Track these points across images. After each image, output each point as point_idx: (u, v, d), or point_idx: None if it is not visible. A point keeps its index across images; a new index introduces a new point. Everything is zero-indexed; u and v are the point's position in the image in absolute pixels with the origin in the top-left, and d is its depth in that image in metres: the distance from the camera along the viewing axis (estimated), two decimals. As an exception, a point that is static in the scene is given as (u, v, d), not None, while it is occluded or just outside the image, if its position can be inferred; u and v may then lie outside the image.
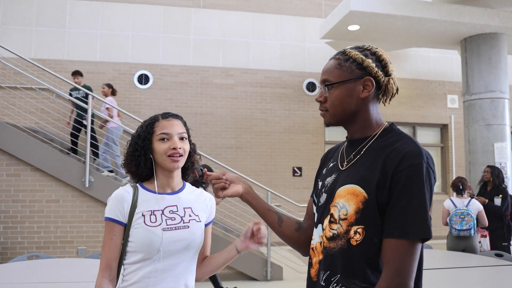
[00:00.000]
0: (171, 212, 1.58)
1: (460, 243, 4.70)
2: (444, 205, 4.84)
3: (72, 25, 7.58)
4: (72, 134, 6.13)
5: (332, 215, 1.18)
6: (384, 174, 1.10)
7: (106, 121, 6.33)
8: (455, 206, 4.72)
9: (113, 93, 6.58)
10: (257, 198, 1.45)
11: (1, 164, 5.16)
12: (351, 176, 1.18)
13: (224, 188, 1.43)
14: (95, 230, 5.14)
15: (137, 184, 1.63)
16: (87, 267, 2.93)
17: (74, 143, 6.00)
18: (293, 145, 8.04)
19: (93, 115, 5.81)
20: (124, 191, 1.57)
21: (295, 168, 7.99)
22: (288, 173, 7.98)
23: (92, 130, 5.93)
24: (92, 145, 5.95)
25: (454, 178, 8.79)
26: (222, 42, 8.05)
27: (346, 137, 1.31)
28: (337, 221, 1.16)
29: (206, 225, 1.72)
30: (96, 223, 5.16)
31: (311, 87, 8.26)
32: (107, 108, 6.22)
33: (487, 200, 4.96)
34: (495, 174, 5.04)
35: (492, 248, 4.94)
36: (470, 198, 4.82)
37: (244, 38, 8.15)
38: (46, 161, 5.18)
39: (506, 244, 4.86)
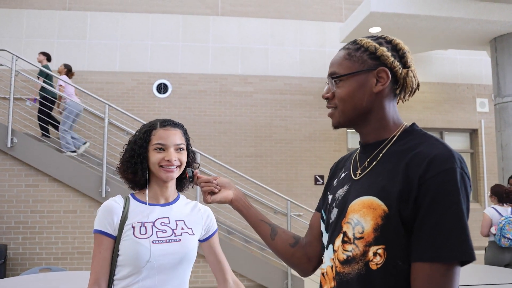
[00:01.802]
0: (162, 224, 1.50)
1: (505, 256, 4.35)
2: (487, 213, 4.53)
3: (92, 36, 7.64)
4: (39, 118, 6.33)
5: (345, 234, 0.99)
6: (408, 183, 0.90)
7: (62, 98, 6.34)
8: (501, 215, 4.40)
9: (68, 74, 6.54)
10: (248, 206, 1.31)
11: (20, 174, 5.17)
12: (366, 187, 0.99)
13: (213, 193, 1.30)
14: (112, 241, 5.06)
15: (129, 195, 1.55)
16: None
17: (44, 128, 6.29)
18: (315, 152, 7.82)
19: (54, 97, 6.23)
20: (114, 203, 1.48)
21: (317, 177, 7.76)
22: (310, 181, 7.75)
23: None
24: (54, 126, 6.34)
25: (486, 185, 8.40)
26: (240, 49, 7.96)
27: (359, 141, 1.13)
28: (352, 241, 0.96)
29: (209, 238, 1.64)
30: (113, 234, 5.09)
31: (332, 92, 8.06)
32: (60, 85, 6.19)
33: None
34: None
35: None
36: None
37: (263, 45, 8.03)
38: (64, 171, 5.17)
39: None
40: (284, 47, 8.08)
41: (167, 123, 1.55)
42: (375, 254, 0.92)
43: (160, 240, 1.46)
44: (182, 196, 1.66)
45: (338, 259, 1.00)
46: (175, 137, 1.52)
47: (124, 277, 1.43)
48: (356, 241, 0.96)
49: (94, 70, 7.53)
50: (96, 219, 1.48)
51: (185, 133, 1.59)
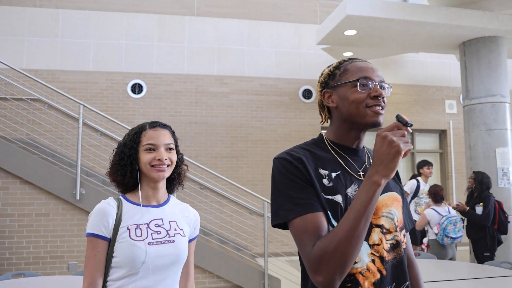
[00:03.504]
0: (156, 225, 1.52)
1: (448, 252, 4.62)
2: (426, 214, 4.74)
3: (64, 34, 7.47)
4: None
5: (382, 226, 1.15)
6: (396, 179, 1.32)
7: None
8: (441, 215, 4.62)
9: None
10: None
11: (-11, 177, 5.00)
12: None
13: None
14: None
15: (120, 197, 1.56)
16: (73, 284, 2.78)
17: None
18: (290, 153, 7.89)
19: None
20: (108, 205, 1.49)
21: (293, 177, 7.83)
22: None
23: None
24: None
25: (454, 185, 8.68)
26: (217, 50, 7.95)
27: (346, 147, 1.24)
28: (395, 230, 1.18)
29: (190, 241, 1.66)
30: (87, 237, 4.99)
31: (307, 94, 8.14)
32: None
33: (467, 208, 4.82)
34: (477, 181, 4.86)
35: (475, 258, 4.83)
36: (447, 206, 4.78)
37: (239, 46, 8.05)
38: (36, 173, 5.03)
39: (489, 254, 4.68)
40: (260, 48, 8.12)
41: (156, 124, 1.59)
42: (404, 236, 1.22)
43: (155, 242, 1.48)
44: (172, 197, 1.68)
45: (384, 250, 1.14)
46: (165, 137, 1.56)
47: (118, 278, 1.44)
48: (398, 229, 1.18)
49: (66, 70, 7.36)
50: (89, 222, 1.48)
51: (173, 134, 1.63)
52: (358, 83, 1.16)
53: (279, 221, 1.11)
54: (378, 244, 1.13)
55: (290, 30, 8.29)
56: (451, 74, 8.97)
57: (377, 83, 1.17)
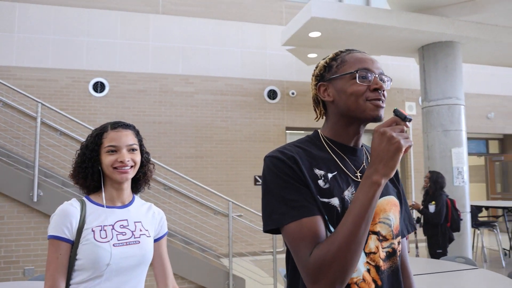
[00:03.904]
0: (121, 226, 1.50)
1: None
2: None
3: (21, 29, 7.17)
4: None
5: (378, 233, 1.08)
6: (395, 181, 1.26)
7: None
8: None
9: None
10: None
11: None
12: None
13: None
14: (44, 248, 4.79)
15: (84, 198, 1.53)
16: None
17: None
18: (255, 153, 7.92)
19: None
20: (71, 206, 1.46)
21: (257, 177, 7.86)
22: (250, 182, 7.84)
23: None
24: None
25: (413, 184, 8.97)
26: (182, 49, 7.86)
27: (343, 145, 1.14)
28: (392, 237, 1.11)
29: (157, 240, 1.65)
30: (45, 240, 4.81)
31: (272, 94, 8.19)
32: None
33: (421, 206, 5.01)
34: (432, 180, 5.04)
35: (429, 254, 5.02)
36: None
37: (205, 45, 8.00)
38: (-11, 174, 4.80)
39: (441, 251, 4.88)
40: (226, 48, 8.10)
41: (117, 125, 1.55)
42: (399, 243, 1.15)
43: (121, 243, 1.46)
44: (137, 198, 1.66)
45: (380, 258, 1.07)
46: (127, 138, 1.53)
47: (82, 281, 1.42)
48: (394, 237, 1.12)
49: (23, 66, 7.08)
50: (51, 224, 1.44)
51: (137, 134, 1.60)
52: (357, 75, 1.08)
53: (272, 226, 1.01)
54: (374, 253, 1.06)
55: (256, 30, 8.32)
56: (411, 77, 9.27)
57: (377, 75, 1.10)
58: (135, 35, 7.67)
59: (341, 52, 1.17)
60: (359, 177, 1.11)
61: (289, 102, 8.27)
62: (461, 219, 5.08)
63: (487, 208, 8.13)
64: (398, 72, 9.22)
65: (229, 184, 7.62)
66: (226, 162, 7.72)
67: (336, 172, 1.08)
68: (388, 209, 1.11)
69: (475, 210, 7.31)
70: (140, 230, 1.54)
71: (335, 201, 1.03)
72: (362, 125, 1.13)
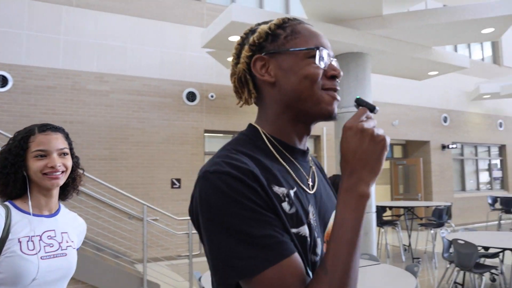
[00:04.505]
0: (49, 237, 1.40)
1: None
2: None
3: None
4: None
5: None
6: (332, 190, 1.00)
7: None
8: None
9: None
10: None
11: None
12: (331, 201, 0.91)
13: None
14: None
15: (8, 203, 1.37)
16: None
17: None
18: (172, 156, 7.79)
19: None
20: None
21: (174, 180, 7.74)
22: (167, 185, 7.69)
23: None
24: None
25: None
26: (97, 45, 7.50)
27: (290, 147, 0.87)
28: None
29: None
30: None
31: (191, 96, 8.12)
32: None
33: None
34: (331, 182, 5.33)
35: None
36: None
37: (122, 43, 7.70)
38: None
39: None
40: (144, 47, 7.88)
41: (46, 128, 1.45)
42: None
43: (48, 256, 1.36)
44: (62, 206, 1.57)
45: None
46: (57, 141, 1.44)
47: None
48: None
49: None
50: None
51: (67, 137, 1.52)
52: (317, 54, 0.83)
53: (237, 278, 0.69)
54: None
55: (176, 31, 8.20)
56: (325, 84, 9.73)
57: (332, 59, 0.86)
58: (45, 27, 7.16)
59: (288, 19, 0.89)
60: (311, 188, 0.86)
61: (208, 105, 8.26)
62: None
63: (390, 208, 8.80)
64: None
65: (144, 187, 7.41)
66: (142, 165, 7.50)
67: (295, 188, 0.81)
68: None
69: (380, 210, 7.88)
70: (67, 242, 1.46)
71: (305, 230, 0.77)
72: (312, 123, 0.87)
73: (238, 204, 0.69)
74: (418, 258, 7.39)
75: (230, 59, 7.67)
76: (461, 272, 5.00)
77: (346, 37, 6.39)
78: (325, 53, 0.84)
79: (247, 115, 8.58)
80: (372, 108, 0.78)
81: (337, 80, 0.85)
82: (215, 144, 8.56)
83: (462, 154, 12.87)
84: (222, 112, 8.38)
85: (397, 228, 7.86)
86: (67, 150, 1.48)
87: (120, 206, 6.47)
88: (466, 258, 4.54)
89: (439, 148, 11.85)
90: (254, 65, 0.86)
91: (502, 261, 5.15)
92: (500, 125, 13.57)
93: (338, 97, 0.86)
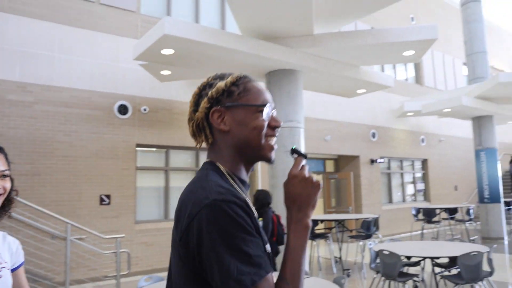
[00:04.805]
0: None
1: None
2: None
3: None
4: None
5: None
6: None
7: None
8: None
9: None
10: None
11: None
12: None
13: None
14: None
15: None
16: None
17: None
18: (101, 171, 7.45)
19: None
20: None
21: (103, 196, 7.39)
22: (95, 201, 7.32)
23: None
24: None
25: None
26: (20, 52, 7.03)
27: (243, 180, 1.07)
28: None
29: (15, 269, 1.49)
30: None
31: (123, 109, 7.85)
32: None
33: None
34: (255, 198, 5.34)
35: None
36: None
37: (49, 51, 7.29)
38: None
39: None
40: (73, 57, 7.52)
41: None
42: None
43: None
44: None
45: None
46: None
47: None
48: None
49: None
50: None
51: (7, 157, 1.44)
52: (264, 109, 1.04)
53: (250, 285, 0.86)
54: None
55: (108, 41, 7.93)
56: (260, 100, 9.86)
57: (274, 112, 1.07)
58: (-41, 32, 6.61)
59: (241, 77, 1.09)
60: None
61: (140, 118, 8.03)
62: (285, 233, 5.48)
63: (322, 221, 9.02)
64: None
65: (71, 204, 6.99)
66: (69, 180, 7.08)
67: (255, 215, 0.98)
68: None
69: (313, 223, 8.05)
70: (0, 263, 1.38)
71: (268, 247, 0.98)
72: (254, 164, 1.09)
73: (241, 228, 0.87)
74: (349, 270, 7.63)
75: (164, 72, 7.54)
76: (387, 282, 5.22)
77: (278, 54, 6.54)
78: (270, 108, 1.05)
79: (180, 130, 8.46)
80: (305, 156, 1.01)
81: (277, 130, 1.07)
82: (148, 158, 8.33)
83: (389, 168, 13.60)
84: (155, 126, 8.19)
85: (329, 240, 8.07)
86: (9, 172, 1.42)
87: (41, 225, 6.03)
88: (391, 267, 4.75)
89: (368, 163, 12.43)
90: (212, 115, 1.05)
91: (423, 268, 5.46)
92: (423, 140, 14.53)
93: (276, 146, 1.07)
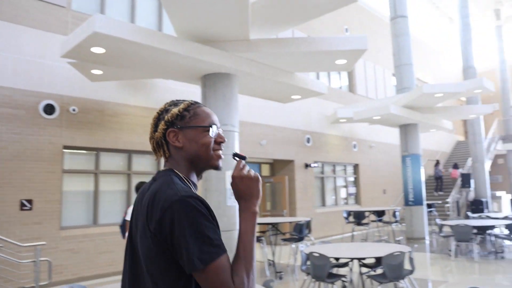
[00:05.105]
0: None
1: None
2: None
3: None
4: None
5: None
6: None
7: None
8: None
9: None
10: None
11: None
12: None
13: None
14: None
15: None
16: None
17: None
18: (23, 174, 6.96)
19: None
20: None
21: (24, 201, 6.90)
22: (15, 207, 6.82)
23: None
24: None
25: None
26: None
27: (194, 184, 1.34)
28: None
29: None
30: None
31: (49, 109, 7.40)
32: None
33: None
34: (136, 187, 5.62)
35: None
36: None
37: (-35, 45, 6.72)
38: None
39: None
40: (-7, 51, 6.99)
41: None
42: None
43: None
44: None
45: None
46: None
47: None
48: None
49: None
50: None
51: None
52: (211, 129, 1.31)
53: (206, 264, 1.10)
54: None
55: (34, 37, 7.47)
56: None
57: (220, 130, 1.36)
58: None
59: (191, 104, 1.35)
60: None
61: (69, 119, 7.63)
62: None
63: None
64: (186, 96, 9.61)
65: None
66: (-15, 184, 6.55)
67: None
68: None
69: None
70: None
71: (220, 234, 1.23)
72: (204, 171, 1.36)
73: (204, 217, 1.13)
74: (281, 272, 7.75)
75: (95, 71, 7.23)
76: (317, 283, 5.36)
77: (214, 58, 6.52)
78: (215, 128, 1.33)
79: (112, 132, 8.16)
80: (244, 158, 1.28)
81: (222, 144, 1.34)
82: (76, 161, 7.92)
83: (322, 172, 14.04)
84: (84, 127, 7.82)
85: (262, 244, 8.15)
86: None
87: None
88: (320, 269, 4.89)
89: (303, 167, 12.75)
90: (168, 135, 1.31)
91: (351, 269, 5.68)
92: (354, 146, 15.18)
93: (222, 156, 1.35)
